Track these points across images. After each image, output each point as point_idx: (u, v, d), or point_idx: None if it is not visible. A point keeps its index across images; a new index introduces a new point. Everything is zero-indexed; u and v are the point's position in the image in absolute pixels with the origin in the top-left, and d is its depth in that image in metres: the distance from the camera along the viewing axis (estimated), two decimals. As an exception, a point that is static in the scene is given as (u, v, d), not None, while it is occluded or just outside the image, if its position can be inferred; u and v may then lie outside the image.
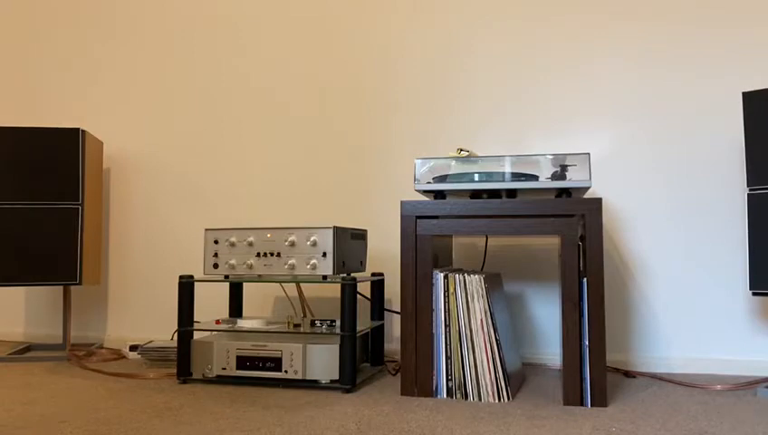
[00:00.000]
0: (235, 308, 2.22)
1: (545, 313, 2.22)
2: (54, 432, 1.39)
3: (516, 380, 1.84)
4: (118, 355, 2.38)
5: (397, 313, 2.31)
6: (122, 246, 2.67)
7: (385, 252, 2.36)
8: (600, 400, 1.62)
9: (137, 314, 2.63)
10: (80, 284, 2.29)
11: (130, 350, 2.35)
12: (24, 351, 2.48)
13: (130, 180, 2.68)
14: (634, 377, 2.00)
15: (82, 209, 2.32)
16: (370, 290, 2.14)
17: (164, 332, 2.59)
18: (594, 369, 1.62)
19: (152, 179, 2.66)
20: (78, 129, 2.32)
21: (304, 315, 2.26)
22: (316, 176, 2.47)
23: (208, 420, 1.48)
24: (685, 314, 2.10)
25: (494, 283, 1.85)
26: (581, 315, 1.65)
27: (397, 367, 2.12)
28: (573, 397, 1.64)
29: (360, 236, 2.08)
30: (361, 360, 2.05)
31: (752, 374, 2.02)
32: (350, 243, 1.98)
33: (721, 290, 2.08)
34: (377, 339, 2.10)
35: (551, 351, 2.21)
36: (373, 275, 2.12)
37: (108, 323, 2.66)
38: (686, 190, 2.12)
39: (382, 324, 2.10)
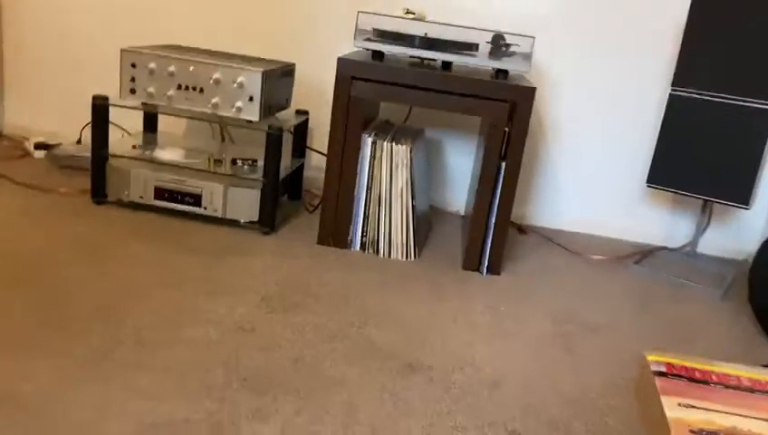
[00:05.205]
0: (149, 129, 2.14)
1: (459, 160, 2.32)
2: (-25, 277, 1.40)
3: (423, 228, 1.99)
4: (22, 151, 2.29)
5: (319, 153, 2.31)
6: (18, 29, 2.39)
7: (313, 86, 2.29)
8: (495, 268, 1.82)
9: (37, 100, 2.47)
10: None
11: (36, 148, 2.25)
12: None
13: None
14: (526, 234, 2.22)
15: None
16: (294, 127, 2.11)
17: (68, 122, 2.46)
18: (494, 246, 1.79)
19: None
20: None
21: (223, 139, 2.23)
22: (243, -18, 2.25)
23: (136, 270, 1.53)
24: (584, 181, 2.27)
25: (416, 138, 1.88)
26: (493, 196, 1.77)
27: (314, 203, 2.20)
28: (472, 264, 1.82)
29: (288, 72, 2.00)
30: (280, 195, 2.11)
31: (629, 239, 2.29)
32: (277, 82, 1.91)
33: (623, 170, 2.24)
34: (296, 174, 2.14)
35: (456, 197, 2.36)
36: (298, 112, 2.09)
37: (5, 107, 2.49)
38: (615, 71, 2.15)
39: (302, 164, 2.13)
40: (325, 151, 1.80)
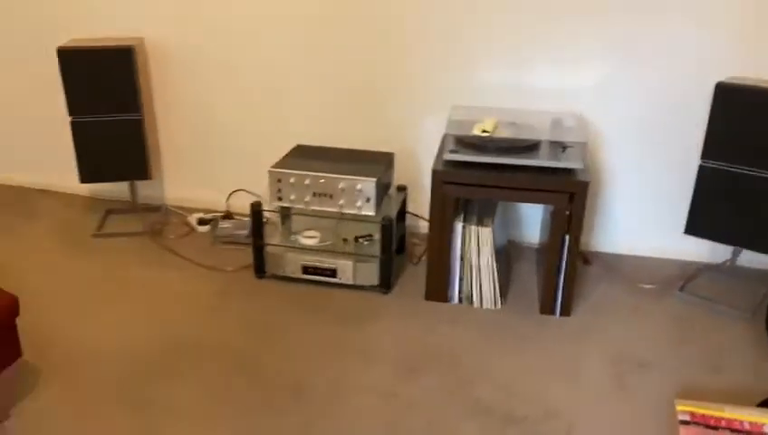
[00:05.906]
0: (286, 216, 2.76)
1: (527, 205, 2.82)
2: (195, 366, 2.07)
3: (504, 269, 2.55)
4: (188, 227, 2.96)
5: (419, 217, 2.88)
6: (169, 120, 3.03)
7: (408, 157, 2.81)
8: (567, 310, 2.36)
9: (189, 176, 3.12)
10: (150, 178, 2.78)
11: (199, 224, 2.92)
12: (106, 216, 3.03)
13: (170, 66, 2.92)
14: (591, 264, 2.72)
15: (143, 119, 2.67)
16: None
17: (216, 191, 3.09)
18: (564, 295, 2.33)
19: (194, 65, 2.90)
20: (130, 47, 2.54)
21: (342, 216, 2.80)
22: (354, 85, 2.77)
23: (301, 340, 2.17)
24: (637, 212, 2.73)
25: (495, 208, 2.42)
26: (560, 260, 2.29)
27: (417, 254, 2.77)
28: (547, 308, 2.37)
29: (390, 163, 2.54)
30: (389, 250, 2.69)
31: (677, 258, 2.75)
32: (384, 177, 2.46)
33: (668, 202, 2.68)
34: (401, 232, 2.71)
35: (530, 232, 2.88)
36: (398, 188, 2.64)
37: (164, 185, 3.17)
38: (659, 123, 2.57)
39: (404, 225, 2.71)
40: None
